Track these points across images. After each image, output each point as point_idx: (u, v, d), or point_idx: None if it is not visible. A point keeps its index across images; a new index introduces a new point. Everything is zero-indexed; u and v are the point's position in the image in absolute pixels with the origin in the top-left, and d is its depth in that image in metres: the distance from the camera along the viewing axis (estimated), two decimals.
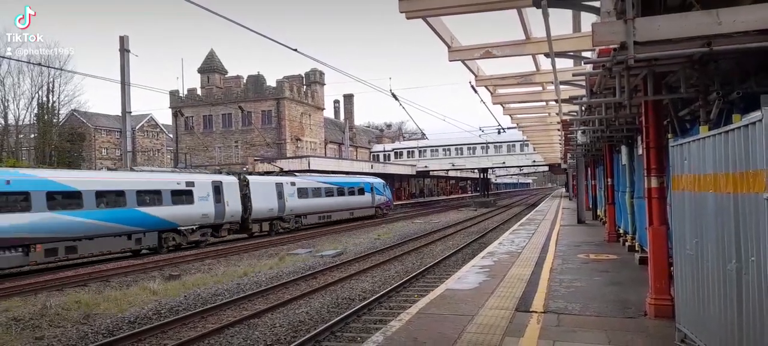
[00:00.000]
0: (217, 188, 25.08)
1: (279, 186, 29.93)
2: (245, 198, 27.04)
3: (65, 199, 18.71)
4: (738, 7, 4.70)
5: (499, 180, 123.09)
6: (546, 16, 6.09)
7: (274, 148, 57.20)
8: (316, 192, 33.81)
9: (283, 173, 35.84)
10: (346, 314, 10.50)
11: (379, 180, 43.68)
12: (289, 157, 50.05)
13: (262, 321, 10.67)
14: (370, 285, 14.26)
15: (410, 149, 73.52)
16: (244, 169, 45.03)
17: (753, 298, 4.10)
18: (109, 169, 29.06)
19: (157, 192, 22.20)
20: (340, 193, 36.53)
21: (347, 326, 9.96)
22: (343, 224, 35.17)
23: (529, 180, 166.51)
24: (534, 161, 65.63)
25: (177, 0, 76.41)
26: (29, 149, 57.02)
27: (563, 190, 78.47)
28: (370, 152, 78.76)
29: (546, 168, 76.53)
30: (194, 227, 23.68)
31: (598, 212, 23.88)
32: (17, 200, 17.25)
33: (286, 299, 12.36)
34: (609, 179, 16.90)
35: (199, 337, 9.57)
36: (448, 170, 74.32)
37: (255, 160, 48.98)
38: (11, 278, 16.75)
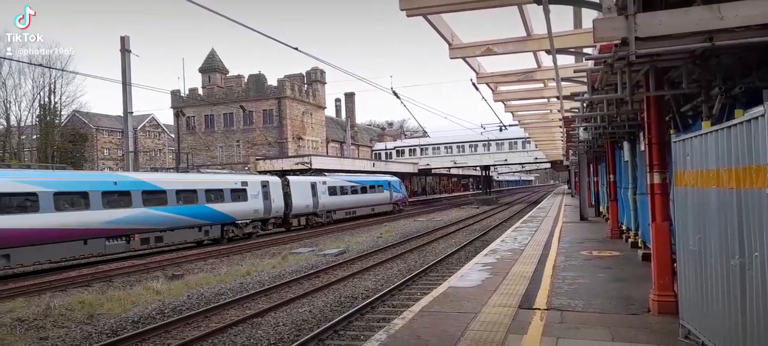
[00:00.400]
0: (265, 187, 28.34)
1: (313, 185, 33.52)
2: (286, 196, 30.42)
3: (155, 196, 21.90)
4: (739, 1, 4.67)
5: (501, 178, 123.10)
6: (547, 12, 6.07)
7: (275, 147, 57.23)
8: (344, 190, 37.20)
9: (315, 172, 39.66)
10: (349, 312, 10.51)
11: (396, 179, 47.36)
12: (291, 156, 50.05)
13: (265, 320, 10.69)
14: (373, 283, 14.27)
15: (412, 147, 73.54)
16: (246, 168, 45.13)
17: (756, 293, 4.10)
18: (183, 171, 32.25)
19: (220, 191, 25.21)
20: (363, 190, 39.99)
21: (350, 325, 9.98)
22: (362, 219, 37.47)
23: (531, 177, 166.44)
24: (536, 158, 65.53)
25: (177, 0, 76.46)
26: (31, 150, 57.14)
27: (566, 187, 78.41)
28: (372, 151, 78.76)
29: (548, 165, 76.42)
30: (248, 221, 26.92)
31: (601, 209, 23.84)
32: (122, 198, 20.50)
33: (289, 298, 12.38)
34: (611, 176, 16.87)
35: (202, 336, 9.59)
36: (449, 168, 74.32)
37: (257, 159, 49.01)
38: (15, 278, 16.81)
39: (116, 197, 20.26)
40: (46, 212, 17.45)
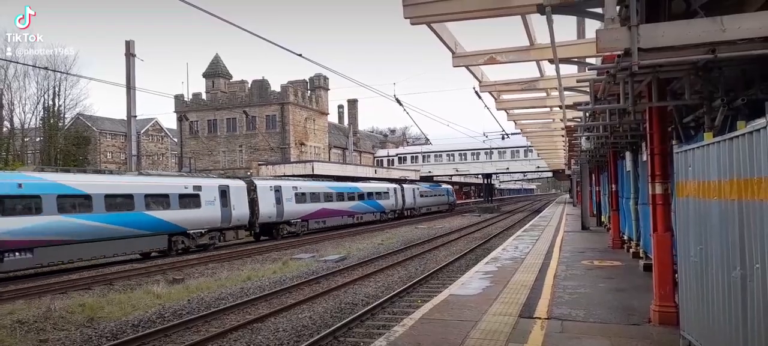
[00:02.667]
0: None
1: (409, 190, 49.61)
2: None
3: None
4: (742, 14, 4.70)
5: (502, 186, 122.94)
6: (550, 22, 6.10)
7: (278, 152, 57.29)
8: (425, 194, 55.27)
9: (403, 181, 54.60)
10: (349, 319, 10.49)
11: (450, 188, 66.51)
12: (293, 162, 50.11)
13: (265, 326, 10.68)
14: (374, 290, 14.25)
15: (414, 154, 73.51)
16: (248, 173, 45.19)
17: (758, 305, 4.09)
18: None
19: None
20: (437, 194, 59.51)
21: (351, 332, 9.96)
22: (363, 226, 39.11)
23: (532, 186, 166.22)
24: (538, 167, 65.48)
25: (182, 5, 76.73)
26: (35, 153, 57.30)
27: (567, 196, 78.27)
28: (374, 157, 78.79)
29: (550, 174, 76.33)
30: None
31: (603, 219, 23.81)
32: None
33: (290, 304, 12.36)
34: (613, 185, 16.86)
35: (202, 341, 9.58)
36: (451, 176, 74.24)
37: (259, 164, 49.07)
38: (15, 280, 16.83)
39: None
40: None
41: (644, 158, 9.65)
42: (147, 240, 21.45)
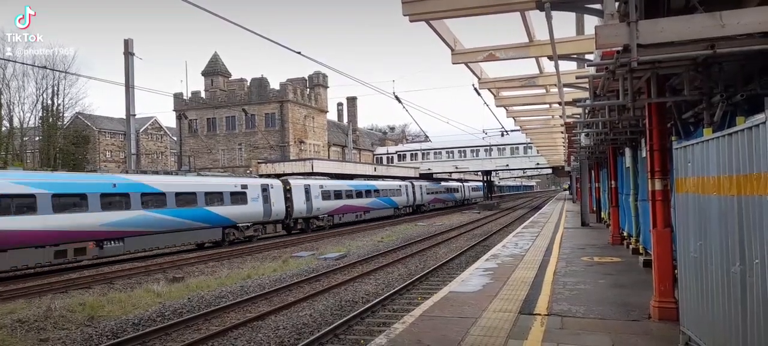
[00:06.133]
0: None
1: (419, 187, 54.14)
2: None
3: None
4: (741, 9, 4.70)
5: (502, 183, 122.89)
6: (549, 18, 6.09)
7: (277, 150, 57.25)
8: (452, 190, 67.68)
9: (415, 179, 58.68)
10: (349, 316, 10.51)
11: (460, 185, 74.09)
12: (293, 160, 50.10)
13: (265, 324, 10.69)
14: (374, 288, 14.26)
15: (413, 152, 73.43)
16: (248, 171, 45.27)
17: (757, 300, 4.10)
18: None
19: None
20: (456, 190, 70.29)
21: (351, 329, 9.97)
22: (364, 223, 40.12)
23: (532, 183, 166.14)
24: (537, 164, 65.45)
25: (181, 3, 76.62)
26: (34, 152, 57.24)
27: (566, 193, 78.27)
28: (374, 155, 78.73)
29: (549, 171, 76.31)
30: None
31: (602, 215, 23.82)
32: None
33: (290, 302, 12.38)
34: (613, 182, 16.86)
35: (202, 339, 9.59)
36: (451, 173, 74.21)
37: (259, 162, 49.05)
38: (16, 280, 16.84)
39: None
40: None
41: (643, 154, 9.66)
42: (206, 232, 24.59)
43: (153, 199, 22.05)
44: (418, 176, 63.31)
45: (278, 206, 29.63)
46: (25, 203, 17.51)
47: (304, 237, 29.79)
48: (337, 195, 36.91)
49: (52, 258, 18.06)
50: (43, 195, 18.02)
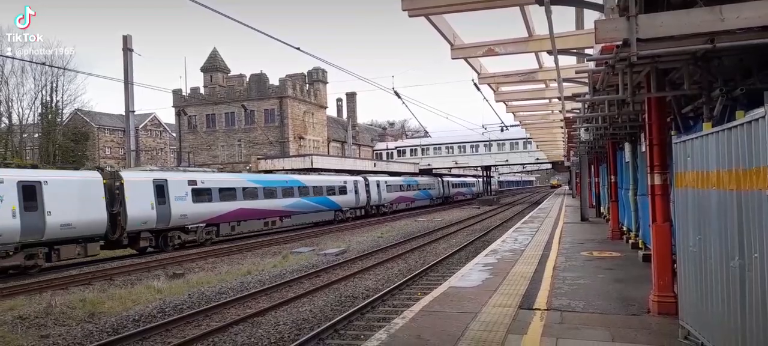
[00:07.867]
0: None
1: (447, 182, 65.05)
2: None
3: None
4: (741, 3, 4.68)
5: (502, 178, 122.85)
6: (549, 13, 6.07)
7: (277, 146, 57.19)
8: (464, 185, 75.70)
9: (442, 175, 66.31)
10: (349, 312, 10.53)
11: (476, 180, 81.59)
12: (292, 156, 50.07)
13: (265, 319, 10.71)
14: (374, 283, 14.28)
15: (413, 147, 73.40)
16: (248, 168, 45.31)
17: (756, 294, 4.11)
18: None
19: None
20: (470, 185, 78.68)
21: (351, 324, 9.99)
22: (363, 219, 41.57)
23: (532, 178, 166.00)
24: (537, 159, 65.42)
25: None
26: (33, 149, 57.15)
27: (566, 188, 78.33)
28: (373, 150, 78.67)
29: (549, 166, 76.31)
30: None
31: (602, 210, 23.83)
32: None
33: (290, 298, 12.40)
34: (612, 176, 16.87)
35: (203, 335, 9.61)
36: (451, 168, 74.20)
37: (258, 158, 49.02)
38: (16, 276, 16.86)
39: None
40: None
41: (643, 149, 9.65)
42: (326, 213, 35.27)
43: (303, 190, 32.88)
44: (419, 171, 66.99)
45: (362, 196, 40.31)
46: (253, 193, 28.39)
47: (304, 233, 30.00)
48: (397, 188, 49.12)
49: (262, 226, 28.74)
50: (260, 188, 29.04)
